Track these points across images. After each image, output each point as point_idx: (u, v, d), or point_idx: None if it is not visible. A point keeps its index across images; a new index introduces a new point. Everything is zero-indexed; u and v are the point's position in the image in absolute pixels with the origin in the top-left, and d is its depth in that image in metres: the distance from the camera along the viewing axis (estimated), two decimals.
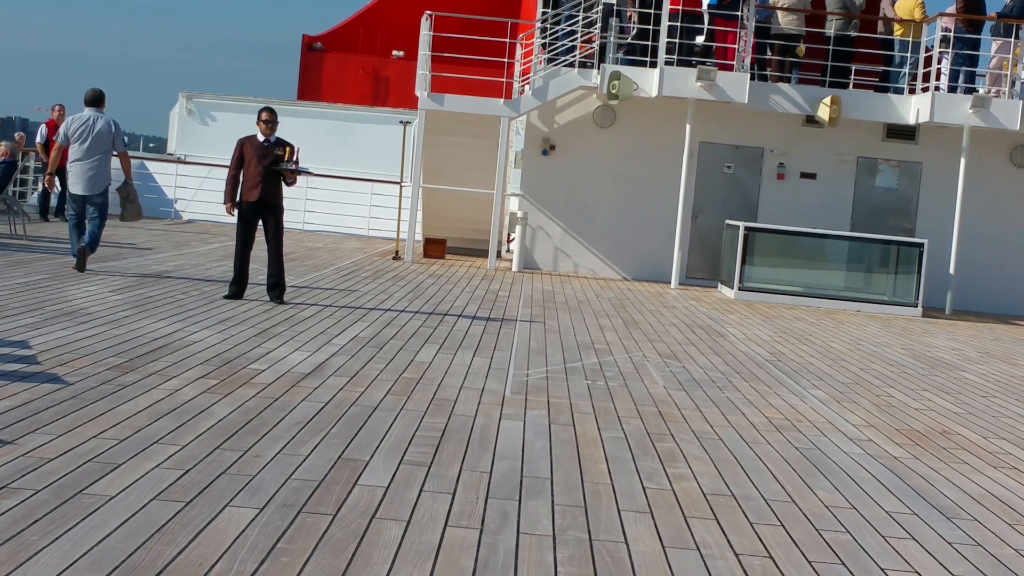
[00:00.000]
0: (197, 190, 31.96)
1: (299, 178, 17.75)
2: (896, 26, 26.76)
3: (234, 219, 17.33)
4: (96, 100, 19.23)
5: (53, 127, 27.50)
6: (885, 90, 26.92)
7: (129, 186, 19.45)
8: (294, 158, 16.99)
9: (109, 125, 19.04)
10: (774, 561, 7.07)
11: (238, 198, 17.08)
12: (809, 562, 7.12)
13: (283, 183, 17.15)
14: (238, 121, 28.10)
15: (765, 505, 8.32)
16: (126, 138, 21.27)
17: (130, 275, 18.81)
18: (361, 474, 8.15)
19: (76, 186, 18.89)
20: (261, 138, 17.03)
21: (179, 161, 35.19)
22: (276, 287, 17.10)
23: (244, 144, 17.10)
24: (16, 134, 35.17)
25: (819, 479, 9.26)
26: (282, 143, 17.03)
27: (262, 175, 16.90)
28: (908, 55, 26.55)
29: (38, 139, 28.18)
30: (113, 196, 19.37)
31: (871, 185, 27.92)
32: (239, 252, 17.13)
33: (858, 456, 10.27)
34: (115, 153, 19.30)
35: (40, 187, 27.37)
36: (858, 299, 24.99)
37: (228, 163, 17.26)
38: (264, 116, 17.18)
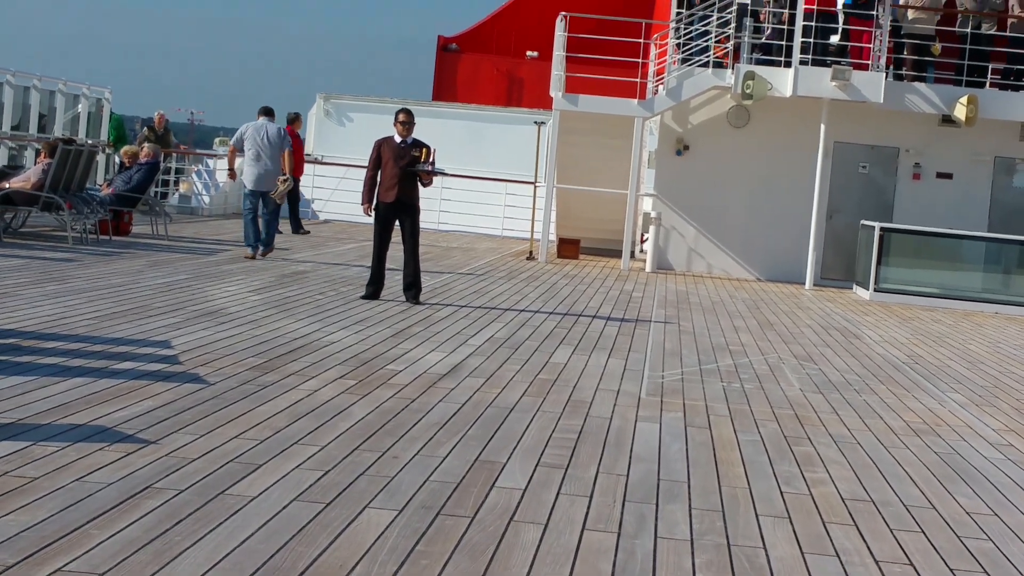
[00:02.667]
0: (334, 190, 32.20)
1: (435, 179, 17.84)
2: None
3: (371, 220, 17.48)
4: (268, 112, 22.30)
5: (293, 134, 27.68)
6: (1021, 88, 26.52)
7: (287, 177, 21.95)
8: (430, 159, 17.09)
9: (279, 133, 22.18)
10: (915, 569, 7.01)
11: (375, 199, 17.22)
12: (951, 570, 7.05)
13: (419, 184, 17.25)
14: (374, 122, 28.25)
15: (905, 511, 8.25)
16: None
17: (269, 275, 19.05)
18: (498, 476, 8.20)
19: (254, 183, 21.63)
20: (398, 139, 17.15)
21: (316, 162, 35.49)
22: (412, 287, 17.22)
23: (381, 145, 17.23)
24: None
25: (960, 485, 9.16)
26: (419, 144, 17.13)
27: (399, 176, 17.01)
28: None
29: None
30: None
31: (1009, 185, 27.53)
32: (376, 252, 17.28)
33: (999, 462, 10.14)
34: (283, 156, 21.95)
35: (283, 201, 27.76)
36: (996, 301, 24.62)
37: (365, 164, 17.40)
38: (401, 117, 17.31)
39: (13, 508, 6.61)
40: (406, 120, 17.25)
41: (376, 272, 17.29)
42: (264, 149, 21.60)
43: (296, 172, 26.58)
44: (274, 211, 21.86)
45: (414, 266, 17.22)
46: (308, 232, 27.92)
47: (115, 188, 24.06)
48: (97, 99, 33.91)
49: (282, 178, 21.73)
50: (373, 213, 17.33)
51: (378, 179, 17.16)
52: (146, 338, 12.34)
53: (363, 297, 17.15)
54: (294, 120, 28.70)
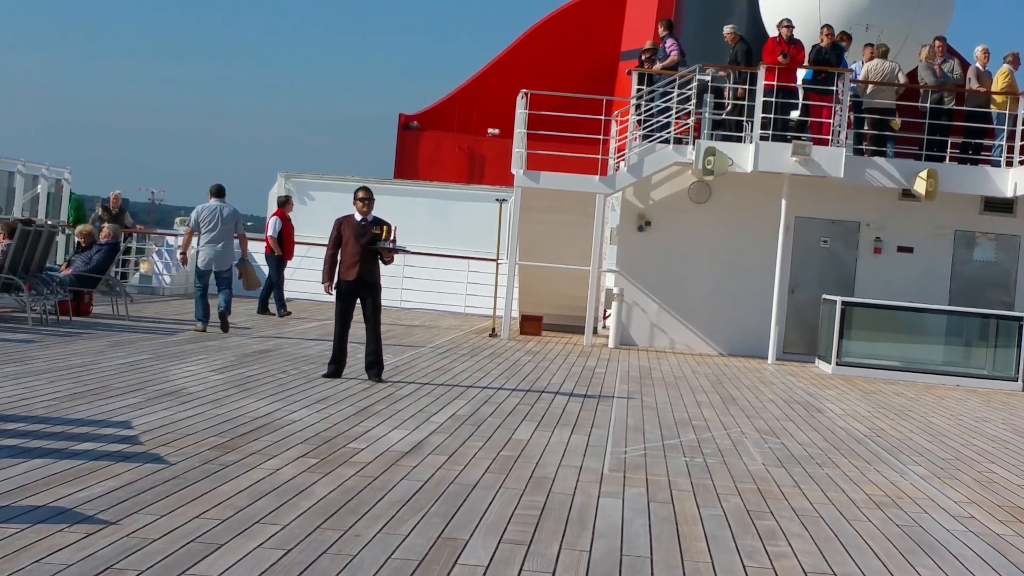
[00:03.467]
0: (296, 269, 32.18)
1: (396, 256, 17.86)
2: (996, 98, 26.59)
3: (332, 298, 17.49)
4: (219, 192, 22.94)
5: (284, 217, 27.62)
6: (981, 162, 26.77)
7: (245, 262, 23.19)
8: (391, 237, 17.11)
9: (233, 213, 22.88)
10: None
11: (336, 277, 17.22)
12: None
13: (381, 261, 17.27)
14: (336, 200, 28.25)
15: None
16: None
17: (230, 354, 19.02)
18: (461, 553, 8.18)
19: (207, 263, 22.39)
20: (358, 217, 17.17)
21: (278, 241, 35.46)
22: (374, 365, 17.20)
23: (342, 223, 17.25)
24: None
25: (921, 557, 9.18)
26: (379, 222, 17.16)
27: (360, 254, 17.02)
28: (1005, 127, 26.39)
29: (270, 232, 27.90)
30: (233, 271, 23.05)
31: (969, 258, 27.71)
32: (338, 331, 17.27)
33: (960, 533, 10.16)
34: (236, 236, 22.94)
35: (270, 281, 27.51)
36: (957, 374, 24.71)
37: (326, 242, 17.41)
38: (360, 195, 17.35)
39: None
40: (365, 197, 17.28)
41: (338, 350, 17.27)
42: (218, 231, 22.51)
43: (287, 255, 27.89)
44: (229, 283, 22.81)
45: (376, 344, 17.21)
46: (290, 313, 27.84)
47: (75, 269, 24.01)
48: (56, 179, 33.88)
49: (238, 262, 22.99)
50: (334, 291, 17.33)
51: (339, 258, 17.18)
52: (107, 418, 12.29)
53: (325, 376, 17.12)
54: (285, 203, 28.51)
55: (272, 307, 27.64)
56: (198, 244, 22.54)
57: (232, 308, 22.75)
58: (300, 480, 10.10)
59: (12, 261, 21.33)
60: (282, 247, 27.74)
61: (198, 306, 22.41)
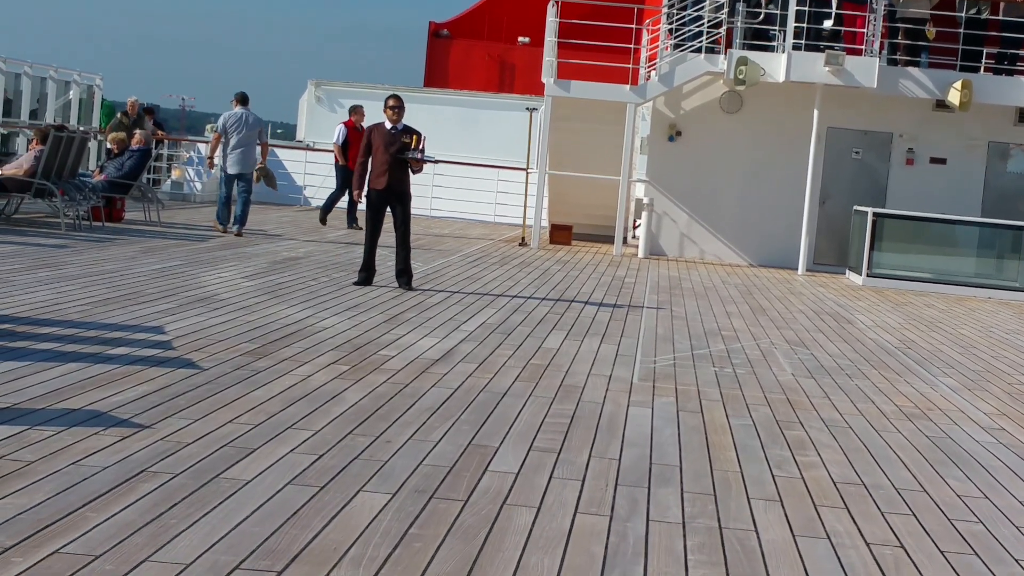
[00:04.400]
0: (326, 176, 32.20)
1: (426, 166, 17.80)
2: None
3: (364, 206, 17.50)
4: (244, 100, 23.94)
5: (352, 127, 27.31)
6: (1017, 74, 26.57)
7: (265, 166, 25.10)
8: (420, 146, 17.05)
9: (256, 120, 23.97)
10: (906, 551, 7.05)
11: (366, 186, 17.20)
12: (941, 552, 7.09)
13: (410, 171, 17.23)
14: (367, 109, 28.23)
15: (896, 494, 8.29)
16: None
17: (262, 261, 19.08)
18: (491, 460, 8.23)
19: (232, 167, 23.43)
20: (388, 125, 17.11)
21: (308, 148, 35.49)
22: (404, 273, 17.23)
23: (372, 131, 17.21)
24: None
25: (951, 468, 9.20)
26: (409, 131, 17.08)
27: (389, 163, 16.97)
28: None
29: (337, 139, 27.71)
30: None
31: (1002, 170, 27.58)
32: (368, 239, 17.29)
33: (990, 445, 10.19)
34: (259, 142, 24.17)
35: (347, 197, 27.06)
36: (989, 286, 24.68)
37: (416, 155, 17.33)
38: (391, 103, 17.28)
39: (10, 491, 6.64)
40: (395, 105, 17.21)
41: (368, 258, 17.29)
42: (243, 136, 23.54)
43: (351, 165, 26.78)
44: (249, 187, 23.67)
45: (405, 253, 17.23)
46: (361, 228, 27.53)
47: (107, 175, 24.06)
48: (88, 86, 33.88)
49: (259, 167, 24.41)
50: (365, 200, 17.32)
51: (369, 165, 17.15)
52: (140, 324, 12.36)
53: (356, 283, 17.15)
54: (354, 112, 27.98)
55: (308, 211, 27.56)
56: (224, 149, 23.55)
57: (260, 212, 22.82)
58: (331, 386, 10.16)
59: (45, 167, 21.38)
60: (347, 157, 26.93)
61: (221, 208, 23.88)
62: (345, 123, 27.72)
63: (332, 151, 28.02)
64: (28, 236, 19.83)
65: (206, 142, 33.89)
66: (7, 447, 7.49)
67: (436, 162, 18.86)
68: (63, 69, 32.51)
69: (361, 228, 26.36)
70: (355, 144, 26.81)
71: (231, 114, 23.82)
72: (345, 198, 27.00)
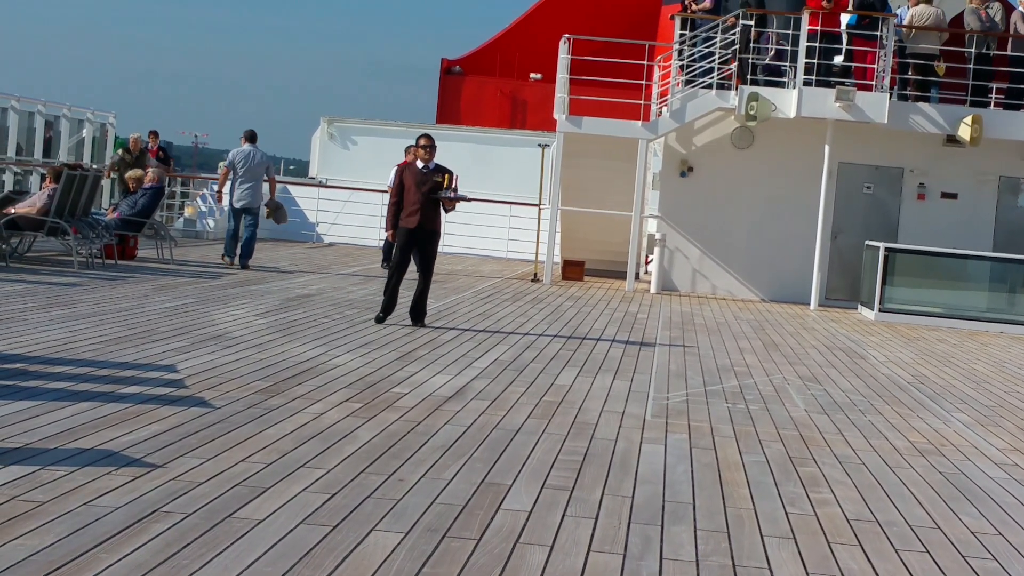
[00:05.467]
0: (339, 213, 32.26)
1: (457, 205, 17.67)
2: None
3: (373, 243, 17.44)
4: (252, 138, 24.96)
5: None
6: None
7: (274, 200, 25.51)
8: (453, 185, 16.99)
9: (264, 157, 25.16)
10: None
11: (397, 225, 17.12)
12: None
13: (442, 210, 17.19)
14: (379, 145, 28.35)
15: (910, 531, 8.27)
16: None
17: (274, 298, 19.10)
18: (504, 498, 8.22)
19: (239, 202, 24.51)
20: (420, 165, 17.06)
21: (320, 185, 35.57)
22: (419, 310, 17.17)
23: (404, 171, 17.20)
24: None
25: (964, 505, 9.18)
26: (441, 170, 17.00)
27: (421, 202, 16.88)
28: None
29: (391, 181, 27.08)
30: (263, 210, 25.12)
31: (1013, 205, 27.57)
32: (393, 278, 17.09)
33: (1004, 481, 10.16)
34: (266, 178, 25.07)
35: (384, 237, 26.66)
36: (1001, 320, 24.63)
37: (369, 187, 17.36)
38: (422, 142, 17.21)
39: (22, 532, 6.64)
40: (427, 144, 17.11)
41: (390, 298, 17.12)
42: (250, 172, 24.59)
43: None
44: (256, 221, 24.73)
45: (423, 290, 17.16)
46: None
47: (120, 212, 24.13)
48: (102, 123, 34.03)
49: (267, 202, 25.10)
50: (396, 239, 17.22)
51: (402, 205, 17.07)
52: (152, 362, 12.38)
53: (377, 321, 17.02)
54: (408, 151, 27.51)
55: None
56: (232, 184, 24.70)
57: (273, 249, 22.87)
58: (344, 424, 10.15)
59: (58, 205, 21.44)
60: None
61: (228, 242, 24.89)
62: (400, 165, 27.15)
63: (352, 188, 27.70)
64: (41, 275, 19.88)
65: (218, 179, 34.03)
66: (19, 488, 7.49)
67: (469, 200, 18.56)
68: (76, 108, 32.66)
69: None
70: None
71: (239, 151, 24.79)
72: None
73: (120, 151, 32.12)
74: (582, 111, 27.42)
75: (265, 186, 25.06)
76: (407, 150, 27.08)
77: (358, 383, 12.19)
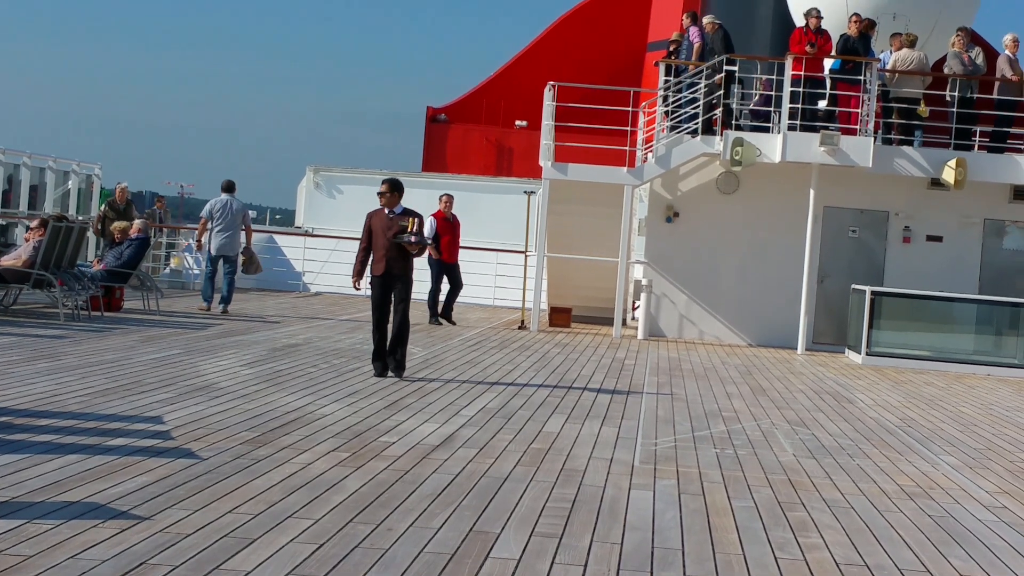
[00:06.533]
0: (325, 262, 32.29)
1: (428, 249, 17.48)
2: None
3: (361, 292, 17.35)
4: (230, 188, 25.76)
5: (442, 218, 26.44)
6: (1009, 150, 26.68)
7: (249, 249, 26.54)
8: (413, 229, 16.84)
9: (241, 207, 25.87)
10: None
11: (368, 272, 17.04)
12: None
13: (411, 255, 17.01)
14: (365, 194, 28.25)
15: (899, 574, 8.26)
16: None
17: (261, 348, 19.07)
18: (493, 546, 8.20)
19: (218, 249, 25.34)
20: (387, 210, 16.98)
21: (307, 234, 35.61)
22: (394, 360, 16.92)
23: (372, 217, 17.10)
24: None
25: (954, 548, 9.17)
26: (408, 213, 16.86)
27: (387, 247, 16.81)
28: None
29: (427, 232, 26.44)
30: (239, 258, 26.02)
31: (998, 247, 27.64)
32: (375, 327, 16.95)
33: (993, 524, 10.15)
34: (243, 228, 25.83)
35: (431, 287, 26.35)
36: (988, 363, 24.67)
37: (354, 236, 17.24)
38: (381, 188, 16.92)
39: None
40: (385, 191, 16.78)
41: (378, 346, 17.02)
42: (227, 221, 25.43)
43: (444, 256, 26.42)
44: (234, 268, 25.58)
45: (397, 339, 16.81)
46: (455, 323, 26.58)
47: (106, 264, 24.12)
48: (87, 175, 34.03)
49: (243, 250, 26.05)
50: (369, 288, 17.09)
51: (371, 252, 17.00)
52: (139, 414, 12.34)
53: (377, 374, 16.85)
54: (442, 200, 27.19)
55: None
56: (210, 233, 25.44)
57: (259, 299, 22.92)
58: (332, 474, 10.13)
59: (44, 257, 21.42)
60: (439, 249, 26.22)
61: (205, 288, 25.74)
62: (435, 215, 26.64)
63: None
64: (27, 327, 19.84)
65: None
66: (5, 541, 7.46)
67: (426, 245, 18.09)
68: (62, 159, 32.67)
69: (440, 324, 26.19)
70: (445, 235, 26.40)
71: (216, 200, 25.68)
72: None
73: (105, 205, 31.90)
74: (567, 158, 27.48)
75: (242, 234, 25.91)
76: (440, 199, 26.95)
77: (345, 432, 12.17)
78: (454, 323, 26.21)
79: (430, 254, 25.92)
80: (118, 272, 23.82)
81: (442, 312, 26.57)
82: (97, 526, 7.95)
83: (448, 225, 26.44)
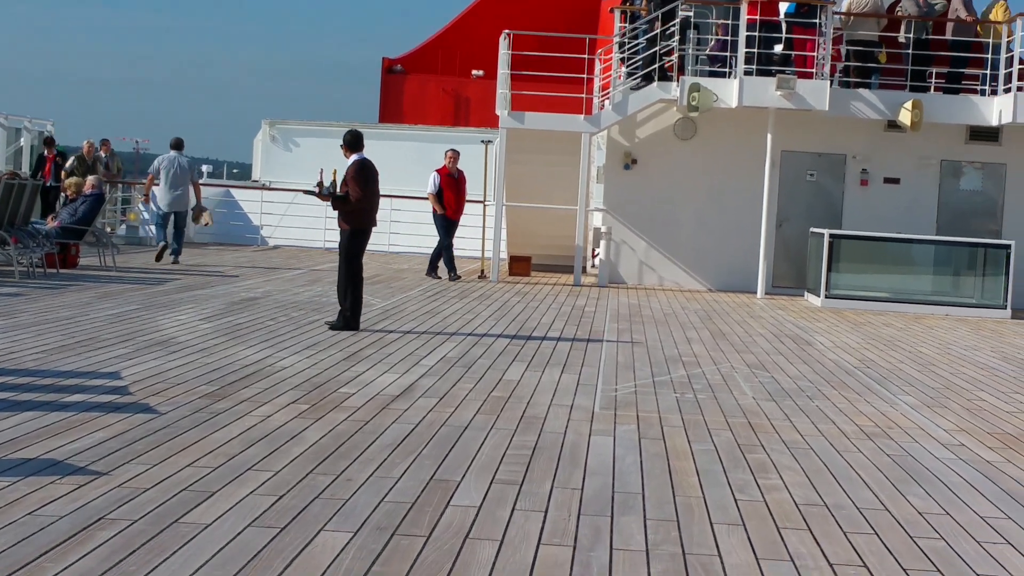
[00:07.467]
0: (283, 215, 32.15)
1: (353, 198, 16.98)
2: (981, 27, 26.52)
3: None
4: (178, 145, 26.50)
5: (445, 173, 26.18)
6: (965, 91, 26.73)
7: (200, 205, 27.25)
8: (319, 179, 16.69)
9: (188, 164, 26.68)
10: (869, 570, 7.05)
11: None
12: (904, 570, 7.09)
13: (342, 204, 16.64)
14: (321, 146, 28.22)
15: (858, 514, 8.30)
16: (205, 168, 28.90)
17: (219, 302, 19.00)
18: (453, 494, 8.20)
19: (167, 206, 25.86)
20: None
21: (264, 188, 35.44)
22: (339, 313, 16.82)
23: None
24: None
25: (912, 486, 9.21)
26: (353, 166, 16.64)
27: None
28: (988, 56, 26.33)
29: (431, 188, 26.42)
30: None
31: (955, 188, 27.71)
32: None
33: (951, 462, 10.21)
34: (192, 183, 26.51)
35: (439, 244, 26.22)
36: (946, 303, 24.80)
37: (312, 188, 17.06)
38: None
39: None
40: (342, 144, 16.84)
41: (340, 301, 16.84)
42: (176, 178, 25.92)
43: (448, 213, 26.32)
44: (182, 226, 26.28)
45: (341, 290, 16.75)
46: (459, 277, 26.31)
47: (61, 221, 23.97)
48: (40, 131, 33.75)
49: (194, 206, 26.81)
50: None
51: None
52: (96, 370, 12.29)
53: (344, 327, 16.53)
54: (446, 155, 26.74)
55: (441, 270, 26.54)
56: (161, 190, 25.96)
57: (217, 253, 22.84)
58: (291, 426, 10.11)
59: None
60: (443, 204, 26.15)
61: (159, 235, 26.88)
62: (438, 170, 26.48)
63: (428, 199, 26.68)
64: None
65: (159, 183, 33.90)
66: None
67: (315, 194, 17.46)
68: (13, 116, 32.40)
69: (439, 278, 26.06)
70: (448, 190, 26.22)
71: (164, 157, 26.36)
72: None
73: (73, 159, 31.62)
74: (524, 107, 27.39)
75: (191, 189, 26.44)
76: (445, 154, 26.73)
77: (305, 384, 12.15)
78: (439, 277, 26.09)
79: (434, 209, 26.30)
80: (73, 229, 23.68)
81: (433, 262, 26.57)
82: (55, 482, 7.92)
83: (452, 181, 26.22)
